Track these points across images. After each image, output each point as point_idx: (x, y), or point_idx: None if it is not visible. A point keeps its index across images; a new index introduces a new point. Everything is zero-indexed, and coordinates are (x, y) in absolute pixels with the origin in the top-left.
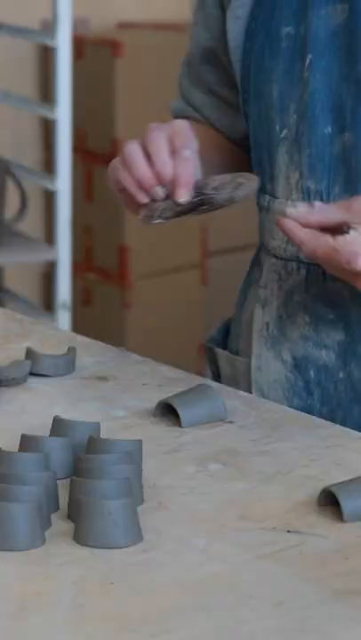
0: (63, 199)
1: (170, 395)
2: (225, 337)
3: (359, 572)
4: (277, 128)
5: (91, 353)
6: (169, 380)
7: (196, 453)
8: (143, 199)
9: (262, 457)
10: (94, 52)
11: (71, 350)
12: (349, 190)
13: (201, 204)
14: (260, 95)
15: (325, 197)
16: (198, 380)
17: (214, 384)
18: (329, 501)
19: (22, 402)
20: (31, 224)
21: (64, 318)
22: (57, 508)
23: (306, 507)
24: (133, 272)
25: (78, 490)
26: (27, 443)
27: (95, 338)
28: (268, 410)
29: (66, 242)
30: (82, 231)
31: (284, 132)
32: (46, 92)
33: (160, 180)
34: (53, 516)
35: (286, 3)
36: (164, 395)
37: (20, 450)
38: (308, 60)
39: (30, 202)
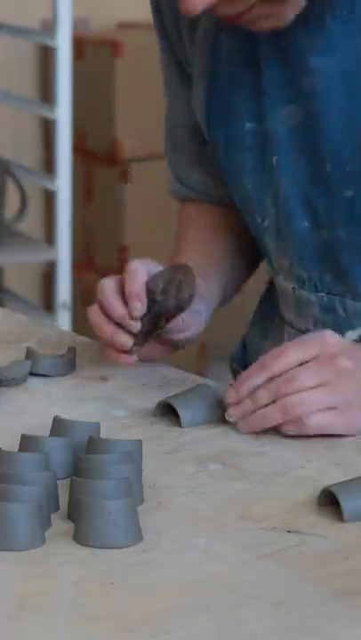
0: (63, 199)
1: (170, 395)
2: (243, 352)
3: (359, 571)
4: (258, 219)
5: (91, 353)
6: (169, 380)
7: (196, 453)
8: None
9: (262, 457)
10: (94, 51)
11: (71, 350)
12: (340, 279)
13: (157, 315)
14: (235, 186)
15: (319, 285)
16: (198, 380)
17: (215, 384)
18: (329, 501)
19: (22, 402)
20: (31, 224)
21: (64, 318)
22: (57, 507)
23: (306, 507)
24: None
25: (78, 490)
26: (27, 443)
27: (95, 338)
28: None
29: (66, 242)
30: (82, 231)
31: (266, 222)
32: (46, 92)
33: (116, 319)
34: (53, 516)
35: (244, 99)
36: (164, 395)
37: (20, 450)
38: (274, 161)
39: (30, 202)
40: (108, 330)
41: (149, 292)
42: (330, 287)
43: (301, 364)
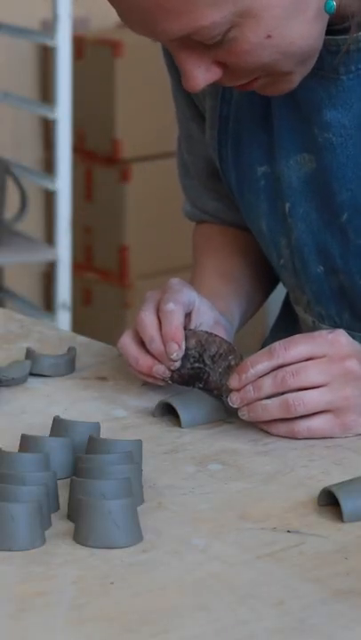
0: (63, 199)
1: (170, 395)
2: None
3: (359, 571)
4: (275, 257)
5: (91, 353)
6: None
7: (196, 453)
8: (154, 379)
9: (262, 457)
10: (94, 51)
11: (71, 350)
12: (359, 318)
13: (198, 376)
14: (250, 224)
15: (338, 321)
16: None
17: None
18: (329, 501)
19: (22, 402)
20: (31, 224)
21: (64, 318)
22: (57, 507)
23: (306, 507)
24: (133, 272)
25: (78, 490)
26: (27, 443)
27: (95, 338)
28: None
29: (66, 242)
30: (82, 231)
31: (282, 260)
32: (46, 92)
33: (158, 357)
34: (53, 516)
35: (255, 142)
36: (164, 395)
37: (20, 450)
38: (287, 207)
39: (30, 202)
40: (146, 362)
41: (200, 346)
42: (349, 324)
43: (309, 359)
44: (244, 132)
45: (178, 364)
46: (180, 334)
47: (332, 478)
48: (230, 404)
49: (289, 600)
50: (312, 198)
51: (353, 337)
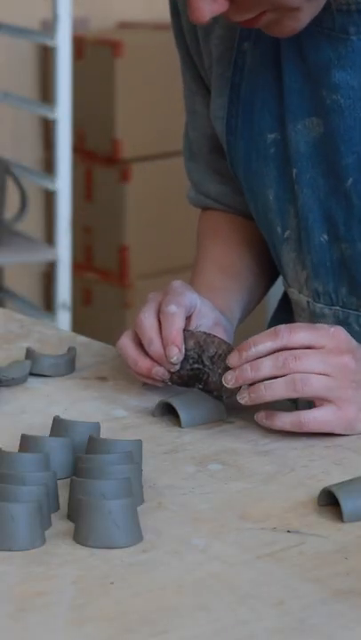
0: (63, 199)
1: (170, 395)
2: None
3: (359, 571)
4: (279, 230)
5: (91, 353)
6: None
7: (196, 453)
8: (154, 381)
9: (262, 457)
10: (94, 51)
11: (71, 350)
12: (356, 293)
13: (197, 377)
14: (255, 196)
15: (334, 298)
16: None
17: None
18: (329, 501)
19: (22, 402)
20: (31, 224)
21: (64, 318)
22: (57, 507)
23: (306, 507)
24: (133, 272)
25: (78, 490)
26: (27, 443)
27: (95, 338)
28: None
29: (66, 242)
30: (82, 231)
31: (287, 232)
32: (46, 92)
33: (157, 359)
34: (53, 516)
35: (267, 109)
36: (164, 395)
37: (20, 450)
38: (294, 173)
39: (30, 202)
40: (145, 364)
41: (198, 347)
42: (345, 301)
43: (309, 348)
44: (257, 98)
45: (177, 367)
46: (181, 338)
47: (332, 478)
48: (225, 383)
49: (289, 600)
50: (319, 163)
51: (347, 315)
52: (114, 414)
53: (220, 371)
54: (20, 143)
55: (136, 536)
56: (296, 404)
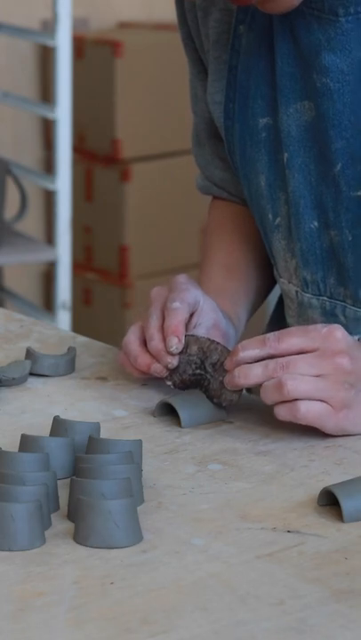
0: (63, 199)
1: (170, 395)
2: None
3: (359, 571)
4: (270, 217)
5: (91, 353)
6: None
7: (196, 453)
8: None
9: (262, 457)
10: (94, 52)
11: (71, 350)
12: (344, 283)
13: (198, 381)
14: (248, 182)
15: (322, 288)
16: None
17: None
18: (329, 501)
19: (22, 402)
20: (31, 224)
21: (64, 318)
22: (57, 507)
23: (306, 507)
24: (133, 272)
25: (78, 490)
26: (27, 443)
27: (95, 338)
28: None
29: (66, 242)
30: (82, 231)
31: (278, 219)
32: (46, 92)
33: (155, 355)
34: (53, 516)
35: (259, 93)
36: (164, 395)
37: (20, 450)
38: (285, 158)
39: (30, 202)
40: (145, 360)
41: (202, 353)
42: (332, 291)
43: (302, 353)
44: (251, 82)
45: (175, 363)
46: (181, 329)
47: (332, 478)
48: (225, 384)
49: (289, 600)
50: (311, 148)
51: (334, 306)
52: (114, 414)
53: (220, 378)
54: (20, 143)
55: (136, 536)
56: None
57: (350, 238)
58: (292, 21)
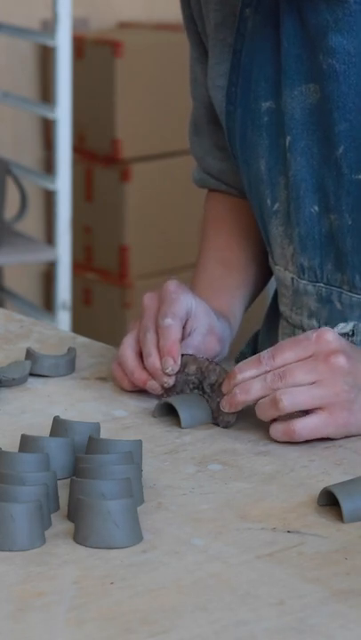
0: (63, 199)
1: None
2: (254, 349)
3: (359, 571)
4: (268, 202)
5: (91, 353)
6: None
7: (196, 453)
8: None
9: (262, 457)
10: (94, 52)
11: (71, 350)
12: (341, 268)
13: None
14: (248, 167)
15: (319, 274)
16: None
17: None
18: (329, 501)
19: (22, 402)
20: (31, 224)
21: (64, 318)
22: (57, 507)
23: (306, 507)
24: (133, 272)
25: (78, 490)
26: (27, 443)
27: (95, 338)
28: None
29: (66, 242)
30: (82, 231)
31: (276, 205)
32: (46, 92)
33: (152, 373)
34: (53, 516)
35: (263, 76)
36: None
37: (20, 450)
38: (287, 141)
39: (30, 202)
40: (142, 376)
41: (200, 374)
42: (329, 277)
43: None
44: (255, 65)
45: (171, 382)
46: (177, 349)
47: (332, 478)
48: (222, 408)
49: (289, 600)
50: (314, 131)
51: (330, 292)
52: (114, 414)
53: (218, 399)
54: (20, 143)
55: (136, 536)
56: None
57: (350, 222)
58: (300, 2)
